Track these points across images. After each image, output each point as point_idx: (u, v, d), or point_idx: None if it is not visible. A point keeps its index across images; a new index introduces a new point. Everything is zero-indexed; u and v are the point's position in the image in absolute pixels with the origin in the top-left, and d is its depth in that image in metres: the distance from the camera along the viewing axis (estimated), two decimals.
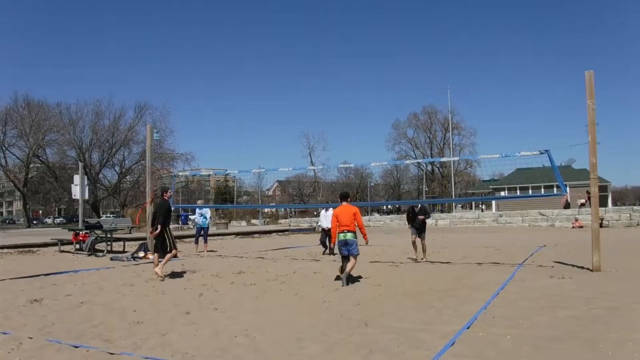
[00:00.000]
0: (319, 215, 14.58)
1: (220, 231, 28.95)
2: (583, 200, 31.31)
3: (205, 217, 15.24)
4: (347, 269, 7.95)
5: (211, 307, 6.26)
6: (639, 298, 6.30)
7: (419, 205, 11.89)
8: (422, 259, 11.49)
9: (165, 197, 9.26)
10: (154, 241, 9.22)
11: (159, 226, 8.83)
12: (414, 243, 11.57)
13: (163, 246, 8.97)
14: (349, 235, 7.98)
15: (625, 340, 4.34)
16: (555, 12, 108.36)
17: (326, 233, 13.83)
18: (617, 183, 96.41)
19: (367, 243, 8.54)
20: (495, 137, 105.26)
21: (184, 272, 9.74)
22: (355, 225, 8.06)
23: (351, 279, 8.04)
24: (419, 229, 11.49)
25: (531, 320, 5.21)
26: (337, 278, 8.26)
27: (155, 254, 9.17)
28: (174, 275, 9.36)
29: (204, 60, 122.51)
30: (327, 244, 13.86)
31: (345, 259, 8.12)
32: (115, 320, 5.52)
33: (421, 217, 11.48)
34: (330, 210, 14.05)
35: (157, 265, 8.86)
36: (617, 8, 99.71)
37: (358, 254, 8.13)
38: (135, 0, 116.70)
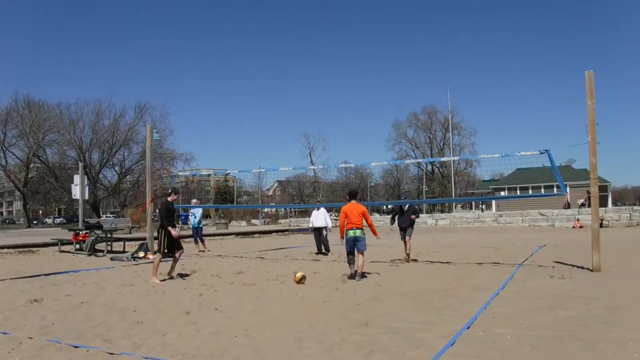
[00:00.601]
0: None
1: (220, 231, 28.98)
2: (582, 200, 31.31)
3: (195, 217, 15.28)
4: (359, 267, 8.36)
5: (211, 307, 6.25)
6: (639, 298, 6.30)
7: (407, 204, 11.69)
8: (408, 259, 11.25)
9: (169, 199, 9.21)
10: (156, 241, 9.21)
11: (170, 228, 8.69)
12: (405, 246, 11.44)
13: (158, 247, 8.94)
14: (358, 233, 8.45)
15: (625, 340, 4.34)
16: (555, 12, 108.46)
17: (319, 232, 13.83)
18: (617, 183, 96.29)
19: (377, 237, 9.00)
20: (495, 137, 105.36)
21: (184, 272, 9.73)
22: (363, 223, 8.49)
23: (359, 276, 8.35)
24: (406, 228, 11.26)
25: (531, 320, 5.20)
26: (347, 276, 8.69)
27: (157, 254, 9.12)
28: (170, 274, 9.34)
29: (204, 60, 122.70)
30: (320, 244, 13.81)
31: (350, 254, 8.56)
32: (115, 320, 5.52)
33: (412, 216, 11.33)
34: (322, 210, 14.09)
35: (171, 267, 8.93)
36: (617, 8, 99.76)
37: (365, 250, 8.56)
38: (135, 0, 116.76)
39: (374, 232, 8.80)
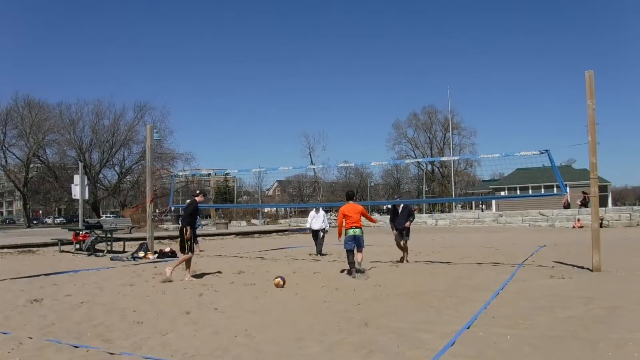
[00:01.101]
0: None
1: (220, 231, 28.95)
2: (580, 200, 31.28)
3: None
4: (358, 261, 8.73)
5: (211, 307, 6.26)
6: (639, 298, 6.30)
7: (402, 205, 11.30)
8: (405, 260, 11.06)
9: (197, 199, 9.26)
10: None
11: (188, 227, 8.77)
12: (398, 245, 11.12)
13: (182, 247, 8.95)
14: (358, 231, 8.79)
15: (625, 340, 4.34)
16: (555, 12, 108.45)
17: (316, 234, 13.81)
18: (617, 183, 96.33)
19: (376, 223, 10.28)
20: (495, 137, 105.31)
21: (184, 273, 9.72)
22: (361, 221, 8.88)
23: (359, 273, 8.64)
24: (402, 230, 10.95)
25: (531, 320, 5.20)
26: (344, 271, 9.13)
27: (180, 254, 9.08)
28: (174, 275, 9.33)
29: (204, 60, 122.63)
30: (317, 244, 13.75)
31: (350, 252, 8.80)
32: (115, 320, 5.52)
33: (407, 223, 10.93)
34: (321, 211, 14.05)
35: (183, 266, 8.91)
36: (617, 8, 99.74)
37: (363, 247, 8.92)
38: (135, 0, 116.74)
39: (374, 220, 10.23)
